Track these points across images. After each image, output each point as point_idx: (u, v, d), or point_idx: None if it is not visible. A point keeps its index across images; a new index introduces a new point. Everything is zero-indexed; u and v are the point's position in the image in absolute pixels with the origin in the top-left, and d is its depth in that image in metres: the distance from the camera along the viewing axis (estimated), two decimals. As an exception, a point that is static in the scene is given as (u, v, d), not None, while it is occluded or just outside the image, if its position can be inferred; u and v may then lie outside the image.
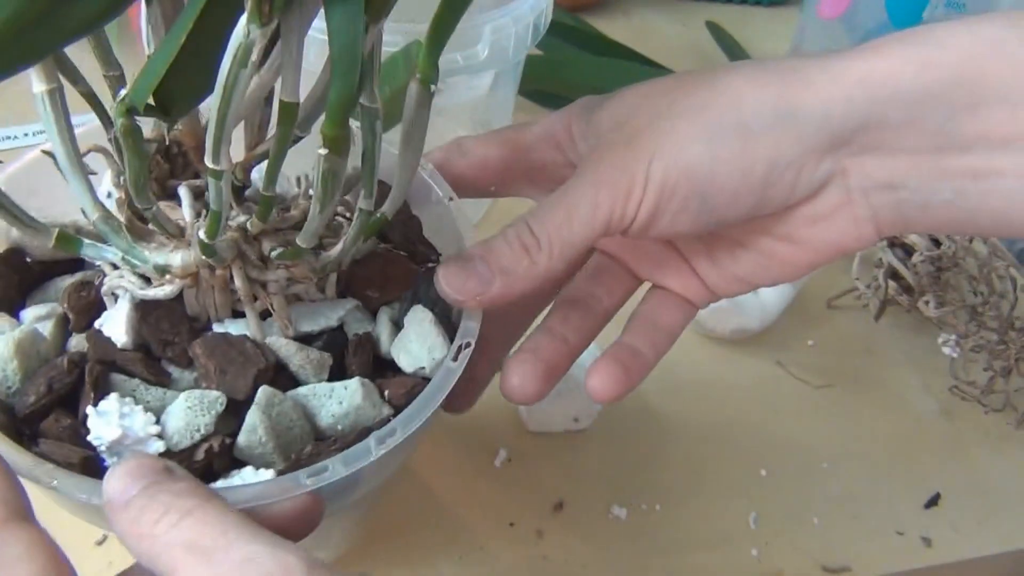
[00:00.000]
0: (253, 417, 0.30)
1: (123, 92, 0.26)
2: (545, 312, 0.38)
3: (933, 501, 0.52)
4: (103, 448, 0.29)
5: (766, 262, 0.33)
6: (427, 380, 0.32)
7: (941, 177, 0.28)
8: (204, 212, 0.31)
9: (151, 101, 0.25)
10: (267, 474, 0.29)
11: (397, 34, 0.49)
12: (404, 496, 0.48)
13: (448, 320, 0.35)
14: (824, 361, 0.59)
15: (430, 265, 0.37)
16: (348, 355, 0.34)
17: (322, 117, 0.26)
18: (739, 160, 0.29)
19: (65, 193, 0.31)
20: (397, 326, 0.36)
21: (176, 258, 0.31)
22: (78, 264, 0.37)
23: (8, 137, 0.82)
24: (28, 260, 0.37)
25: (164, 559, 0.23)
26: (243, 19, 0.22)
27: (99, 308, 0.34)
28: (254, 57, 0.23)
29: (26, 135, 0.69)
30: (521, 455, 0.51)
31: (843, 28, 0.75)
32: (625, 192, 0.30)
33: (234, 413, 0.31)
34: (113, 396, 0.30)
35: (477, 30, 0.51)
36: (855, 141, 0.29)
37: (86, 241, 0.32)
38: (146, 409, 0.30)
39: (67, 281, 0.35)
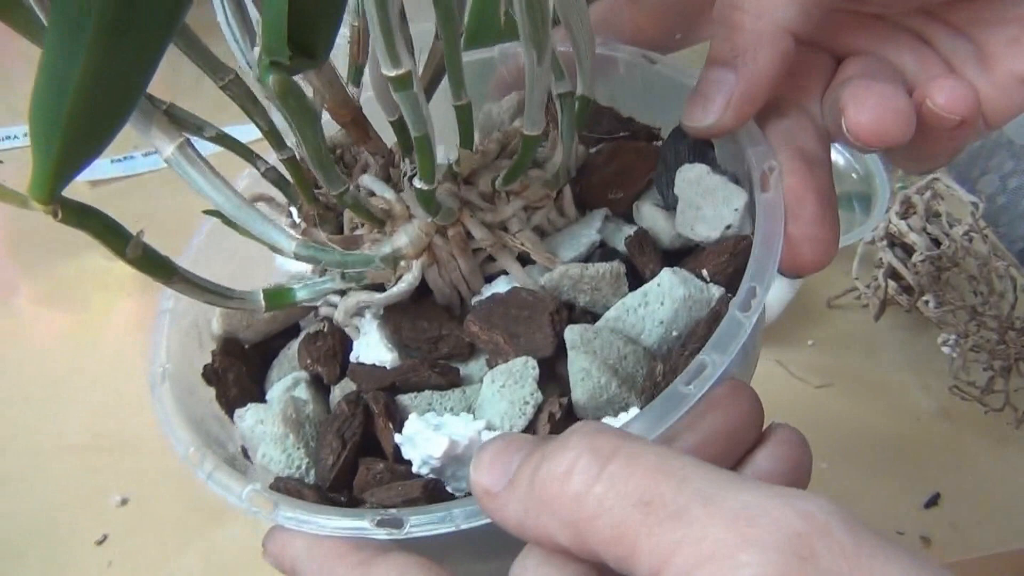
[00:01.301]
0: (579, 361, 0.25)
1: (256, 51, 0.22)
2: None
3: (933, 501, 0.52)
4: (434, 472, 0.25)
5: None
6: (743, 236, 0.27)
7: None
8: (401, 176, 0.28)
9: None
10: (630, 412, 0.24)
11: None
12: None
13: (721, 169, 0.29)
14: (824, 361, 0.59)
15: (673, 129, 0.30)
16: (636, 258, 0.28)
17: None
18: None
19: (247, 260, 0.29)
20: (668, 208, 0.30)
21: (402, 238, 0.27)
22: (295, 332, 0.33)
23: (8, 137, 0.82)
24: (246, 347, 0.32)
25: (606, 521, 0.16)
26: None
27: (344, 349, 0.30)
28: None
29: (26, 135, 0.69)
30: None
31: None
32: None
33: (550, 375, 0.26)
34: (412, 417, 0.26)
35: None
36: None
37: (297, 286, 0.28)
38: (451, 413, 0.26)
39: (293, 348, 0.32)
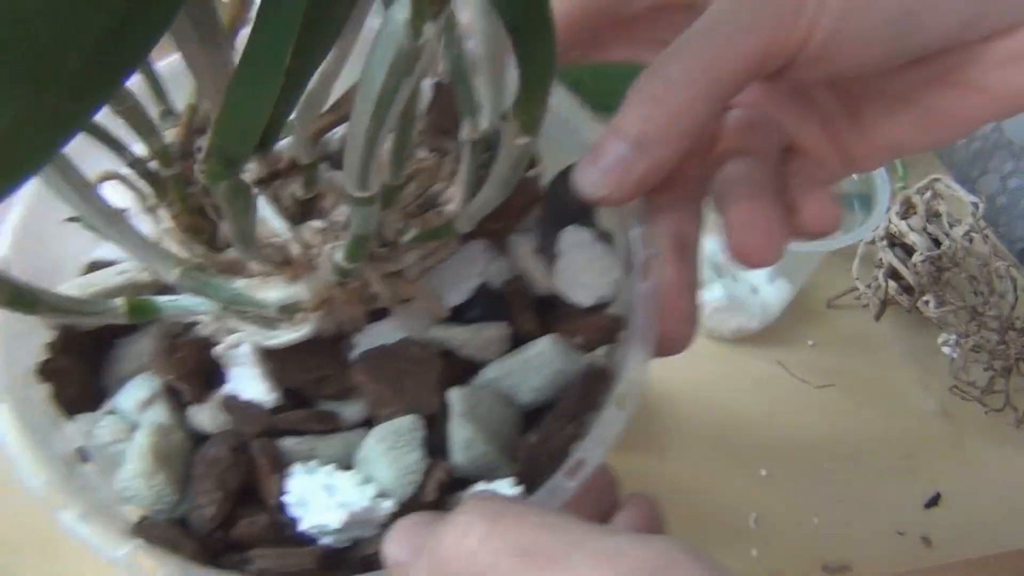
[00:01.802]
0: (463, 431, 0.26)
1: (202, 144, 0.21)
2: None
3: (933, 501, 0.52)
4: (328, 538, 0.25)
5: (929, 120, 0.27)
6: (616, 318, 0.28)
7: None
8: (302, 214, 0.27)
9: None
10: (509, 486, 0.25)
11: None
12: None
13: (605, 237, 0.30)
14: (824, 361, 0.59)
15: (560, 172, 0.31)
16: (513, 306, 0.29)
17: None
18: None
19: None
20: (541, 253, 0.31)
21: (303, 290, 0.25)
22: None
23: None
24: (81, 333, 0.30)
25: (495, 572, 0.19)
26: (399, 18, 0.16)
27: (207, 367, 0.28)
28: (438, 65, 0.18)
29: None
30: (521, 455, 0.51)
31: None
32: (794, 8, 0.23)
33: (429, 426, 0.27)
34: (297, 469, 0.26)
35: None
36: None
37: (162, 300, 0.26)
38: (336, 466, 0.26)
39: (140, 344, 0.29)
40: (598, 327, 0.28)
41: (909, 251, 0.60)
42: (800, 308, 0.61)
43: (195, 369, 0.28)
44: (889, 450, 0.55)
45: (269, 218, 0.26)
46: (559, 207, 0.30)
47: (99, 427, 0.28)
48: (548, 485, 0.24)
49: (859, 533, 0.50)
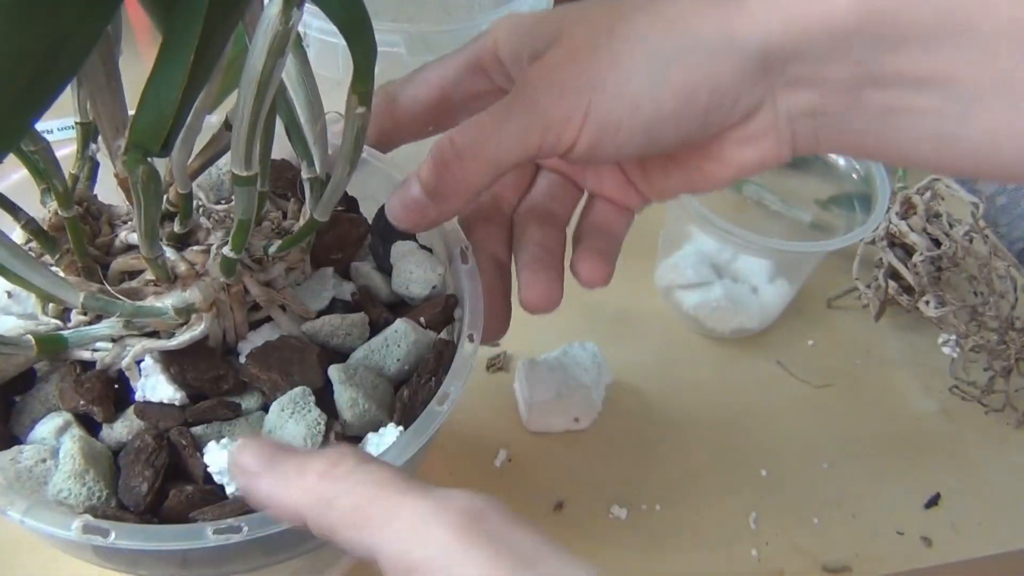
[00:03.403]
0: (347, 392, 0.32)
1: (122, 138, 0.25)
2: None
3: (933, 501, 0.52)
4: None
5: (693, 177, 0.35)
6: (449, 295, 0.36)
7: (858, 109, 0.30)
8: (180, 245, 0.32)
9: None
10: (392, 429, 0.30)
11: (396, 33, 0.49)
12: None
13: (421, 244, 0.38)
14: (824, 361, 0.59)
15: (381, 206, 0.39)
16: (367, 308, 0.36)
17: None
18: (683, 89, 0.30)
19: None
20: (381, 271, 0.38)
21: (195, 293, 0.31)
22: (31, 376, 0.33)
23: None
24: None
25: (345, 501, 0.23)
26: (273, 10, 0.22)
27: (113, 391, 0.32)
28: (306, 45, 0.22)
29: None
30: (521, 455, 0.51)
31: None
32: (562, 120, 0.30)
33: (319, 403, 0.32)
34: (212, 446, 0.30)
35: (476, 29, 0.51)
36: (787, 71, 0.30)
37: (68, 332, 0.31)
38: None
39: (43, 390, 0.33)
40: (436, 306, 0.35)
41: (909, 251, 0.60)
42: (800, 308, 0.61)
43: (103, 394, 0.31)
44: (889, 450, 0.55)
45: (168, 252, 0.32)
46: (385, 230, 0.37)
47: (22, 455, 0.30)
48: (424, 412, 0.30)
49: (859, 533, 0.50)
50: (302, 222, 0.34)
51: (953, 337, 0.57)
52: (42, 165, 0.30)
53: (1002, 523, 0.51)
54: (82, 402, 0.31)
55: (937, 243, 0.59)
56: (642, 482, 0.51)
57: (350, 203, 0.40)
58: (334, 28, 0.24)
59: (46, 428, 0.31)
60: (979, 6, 0.27)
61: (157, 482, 0.29)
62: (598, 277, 0.35)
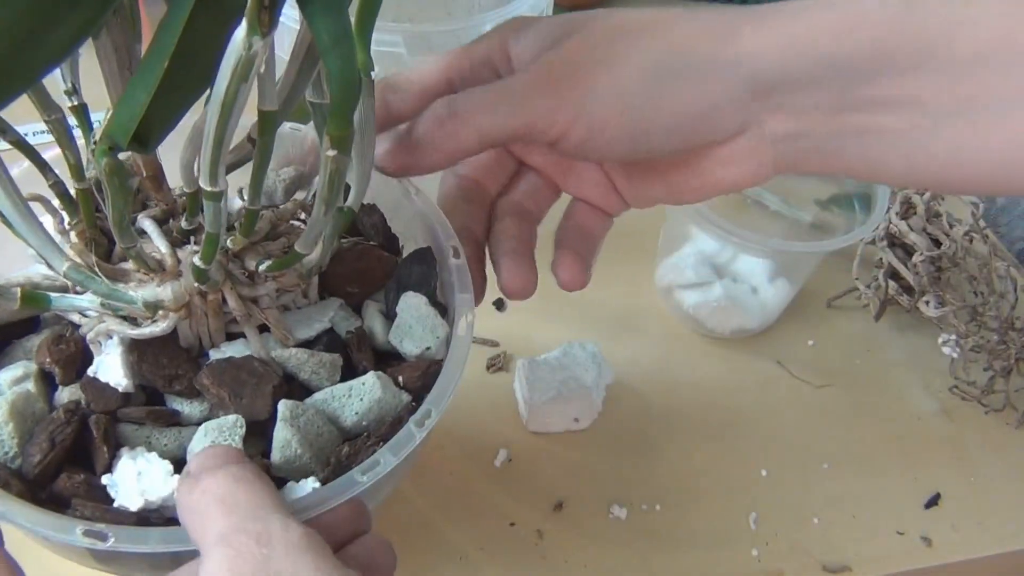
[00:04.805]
0: (283, 432, 0.31)
1: (98, 130, 0.26)
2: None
3: (933, 501, 0.52)
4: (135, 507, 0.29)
5: (674, 189, 0.36)
6: (436, 361, 0.34)
7: (836, 132, 0.32)
8: (184, 240, 0.32)
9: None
10: (312, 482, 0.29)
11: (397, 33, 0.49)
12: (405, 497, 0.48)
13: (436, 300, 0.37)
14: (824, 361, 0.59)
15: (410, 253, 0.39)
16: (353, 352, 0.34)
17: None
18: (673, 103, 0.32)
19: None
20: (387, 317, 0.37)
21: (166, 292, 0.31)
22: (34, 322, 0.35)
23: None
24: None
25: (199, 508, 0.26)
26: (240, 32, 0.22)
27: (84, 358, 0.33)
28: (261, 69, 0.23)
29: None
30: (521, 455, 0.51)
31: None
32: (551, 110, 0.32)
33: (259, 434, 0.31)
34: (125, 452, 0.30)
35: (477, 29, 0.51)
36: (773, 95, 0.32)
37: (54, 295, 0.31)
38: (163, 455, 0.30)
39: (32, 341, 0.34)
40: (417, 368, 0.34)
41: (909, 251, 0.60)
42: (800, 308, 0.61)
43: (72, 358, 0.32)
44: (889, 450, 0.55)
45: (155, 240, 0.32)
46: (406, 279, 0.37)
47: None
48: (344, 477, 0.29)
49: (859, 533, 0.50)
50: (316, 251, 0.34)
51: (953, 337, 0.57)
52: (56, 135, 0.31)
53: (1002, 523, 0.51)
54: (48, 360, 0.32)
55: (937, 243, 0.59)
56: (642, 482, 0.51)
57: (390, 240, 0.40)
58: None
59: (8, 375, 0.32)
60: (944, 39, 0.29)
61: (50, 455, 0.29)
62: (577, 281, 0.37)
